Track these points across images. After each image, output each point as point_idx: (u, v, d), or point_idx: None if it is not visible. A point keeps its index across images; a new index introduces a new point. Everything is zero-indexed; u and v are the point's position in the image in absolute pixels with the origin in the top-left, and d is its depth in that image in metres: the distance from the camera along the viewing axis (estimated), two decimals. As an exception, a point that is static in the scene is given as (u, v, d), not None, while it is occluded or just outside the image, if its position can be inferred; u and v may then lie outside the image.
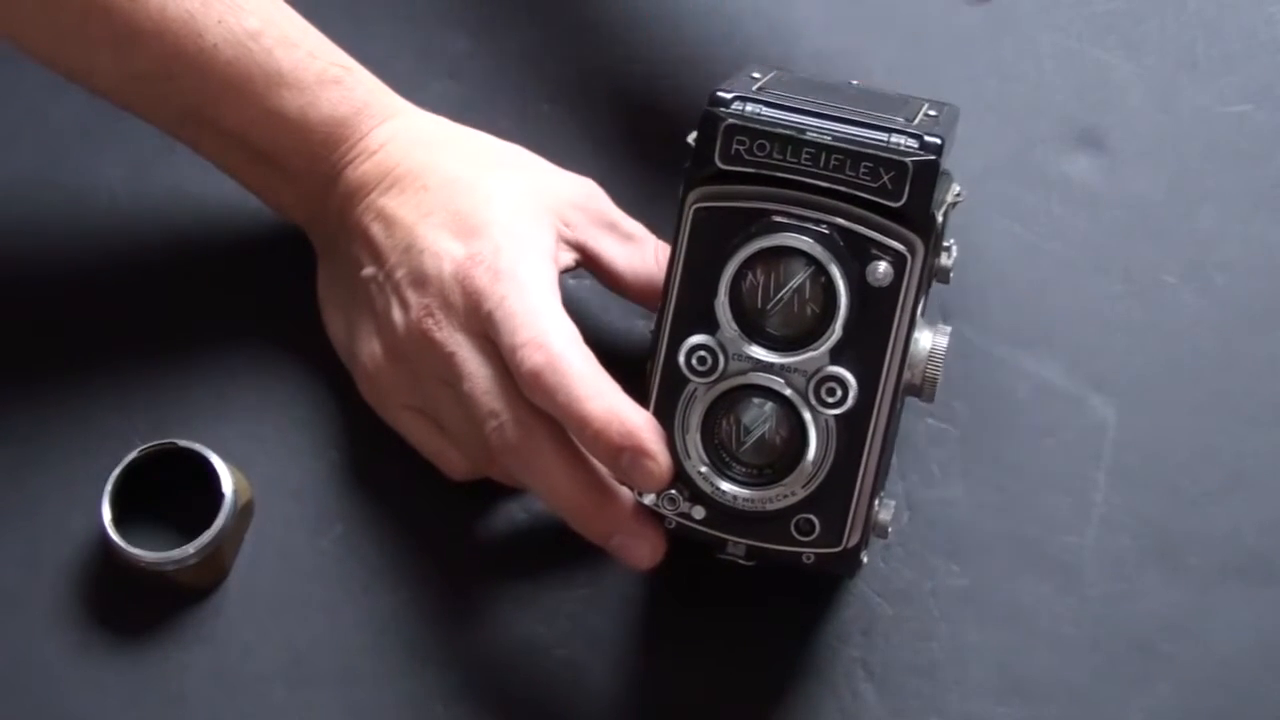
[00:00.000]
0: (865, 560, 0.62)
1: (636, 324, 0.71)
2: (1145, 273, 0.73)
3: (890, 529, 0.62)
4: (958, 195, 0.61)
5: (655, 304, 0.62)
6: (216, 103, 0.67)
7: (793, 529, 0.60)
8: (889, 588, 0.67)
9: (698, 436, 0.60)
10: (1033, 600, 0.67)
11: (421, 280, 0.65)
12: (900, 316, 0.58)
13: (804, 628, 0.66)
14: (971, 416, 0.70)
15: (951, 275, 0.62)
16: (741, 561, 0.62)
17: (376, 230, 0.67)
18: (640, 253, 0.69)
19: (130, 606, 0.67)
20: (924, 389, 0.60)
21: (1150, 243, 0.74)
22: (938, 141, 0.57)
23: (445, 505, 0.68)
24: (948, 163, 0.59)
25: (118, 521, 0.65)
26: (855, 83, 0.65)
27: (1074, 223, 0.75)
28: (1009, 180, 0.76)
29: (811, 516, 0.60)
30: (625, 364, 0.63)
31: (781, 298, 0.58)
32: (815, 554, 0.61)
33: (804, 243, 0.57)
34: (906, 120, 0.58)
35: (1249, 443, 0.70)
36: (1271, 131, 0.77)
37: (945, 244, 0.61)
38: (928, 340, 0.60)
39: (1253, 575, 0.67)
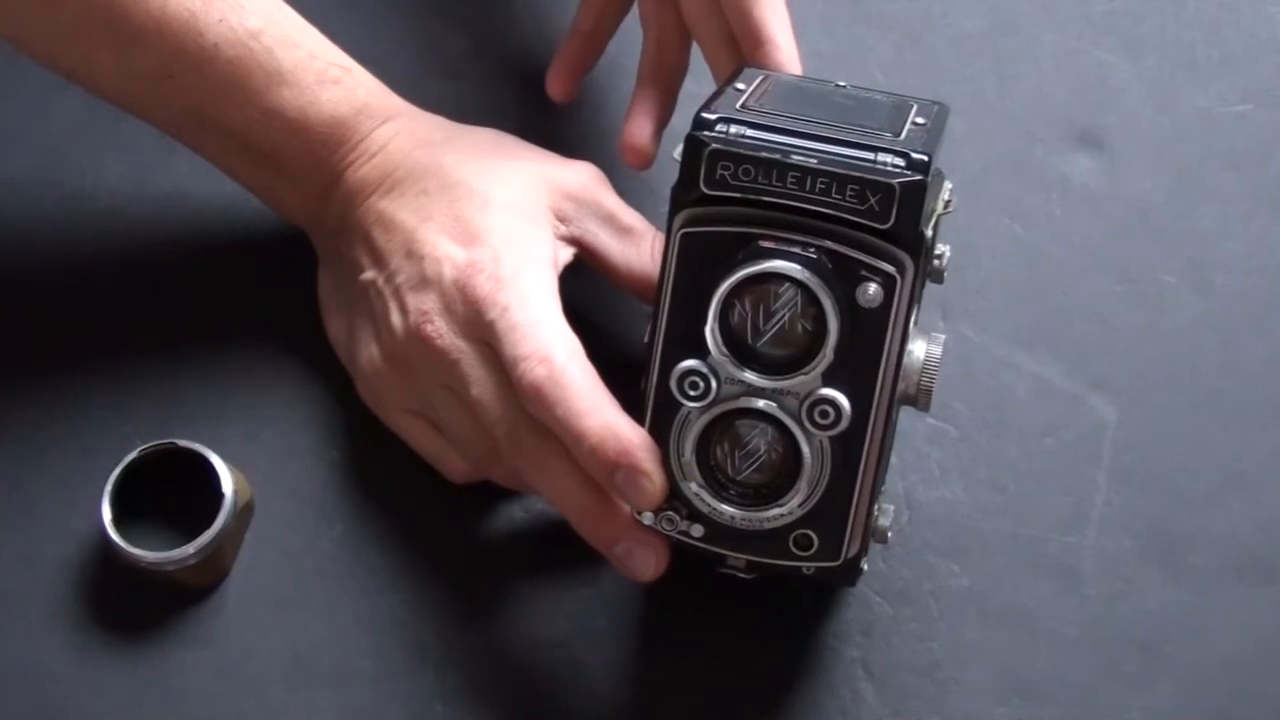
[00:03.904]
0: (865, 568, 0.62)
1: (637, 325, 0.70)
2: (1145, 273, 0.74)
3: (890, 532, 0.62)
4: (948, 204, 0.60)
5: (651, 298, 0.62)
6: (217, 102, 0.67)
7: (791, 544, 0.60)
8: (889, 588, 0.67)
9: (693, 459, 0.60)
10: (1033, 600, 0.67)
11: (421, 285, 0.65)
12: (891, 335, 0.58)
13: (804, 627, 0.66)
14: (971, 416, 0.70)
15: (945, 275, 0.61)
16: (741, 575, 0.62)
17: (377, 233, 0.67)
18: (636, 247, 0.69)
19: (130, 606, 0.67)
20: (919, 399, 0.60)
21: (1150, 243, 0.74)
22: (924, 159, 0.56)
23: (445, 505, 0.68)
24: (939, 162, 0.59)
25: (118, 521, 0.65)
26: (843, 85, 0.64)
27: (1074, 223, 0.75)
28: (1009, 180, 0.76)
29: (809, 532, 0.60)
30: (625, 367, 0.63)
31: (771, 323, 0.57)
32: (815, 566, 0.61)
33: (792, 269, 0.56)
34: (893, 135, 0.58)
35: (1249, 443, 0.70)
36: (1271, 131, 0.77)
37: (937, 253, 0.61)
38: (921, 350, 0.60)
39: (1253, 575, 0.67)
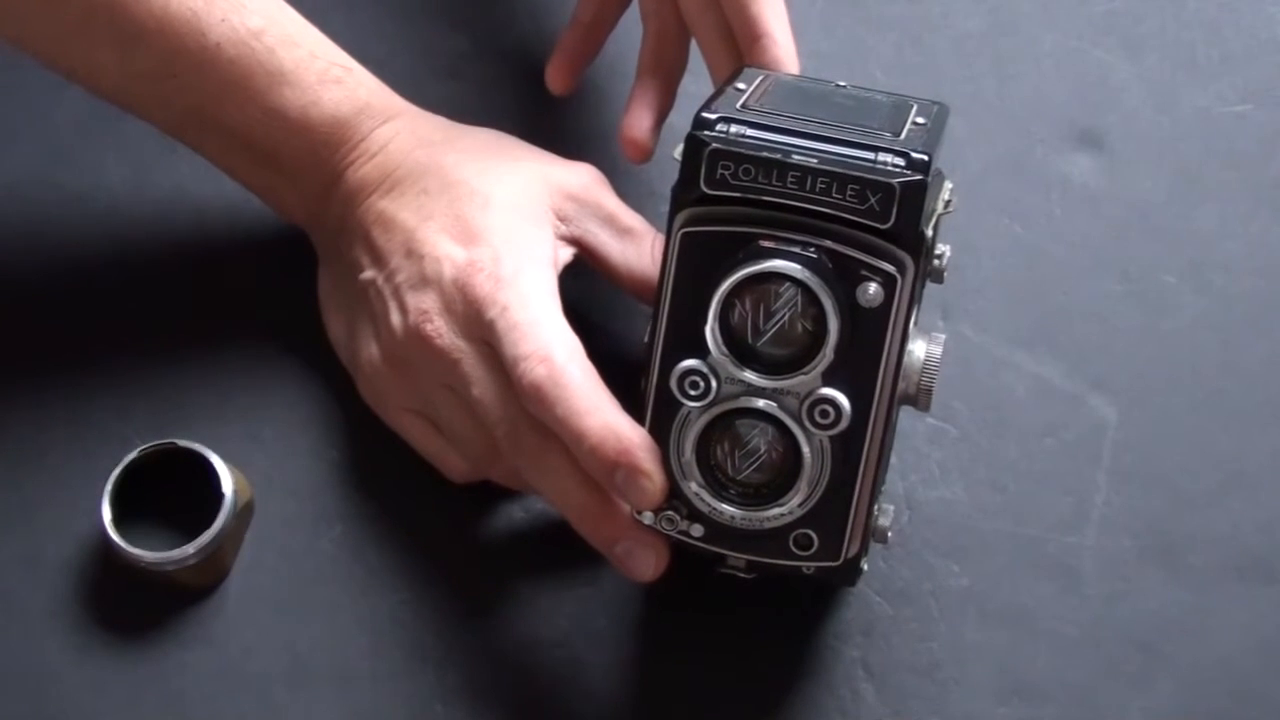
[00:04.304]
0: (865, 568, 0.62)
1: (637, 325, 0.71)
2: (1145, 273, 0.74)
3: (890, 532, 0.62)
4: (948, 203, 0.60)
5: (651, 299, 0.62)
6: (218, 101, 0.67)
7: (791, 544, 0.60)
8: (889, 588, 0.67)
9: (693, 459, 0.60)
10: (1033, 600, 0.67)
11: (421, 284, 0.65)
12: (891, 335, 0.58)
13: (804, 627, 0.66)
14: (971, 416, 0.70)
15: (945, 275, 0.61)
16: (741, 575, 0.63)
17: (377, 233, 0.67)
18: (636, 248, 0.69)
19: (130, 606, 0.67)
20: (919, 399, 0.60)
21: (1150, 243, 0.74)
22: (924, 159, 0.56)
23: (445, 505, 0.68)
24: (940, 162, 0.59)
25: (118, 521, 0.65)
26: (843, 84, 0.64)
27: (1074, 223, 0.75)
28: (1009, 180, 0.76)
29: (810, 532, 0.60)
30: (625, 367, 0.63)
31: (771, 322, 0.57)
32: (815, 566, 0.61)
33: (792, 268, 0.56)
34: (894, 134, 0.58)
35: (1249, 443, 0.70)
36: (1271, 131, 0.77)
37: (937, 253, 0.61)
38: (921, 350, 0.60)
39: (1253, 575, 0.67)
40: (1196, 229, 0.75)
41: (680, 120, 0.61)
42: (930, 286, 0.62)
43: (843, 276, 0.57)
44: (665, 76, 0.72)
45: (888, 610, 0.67)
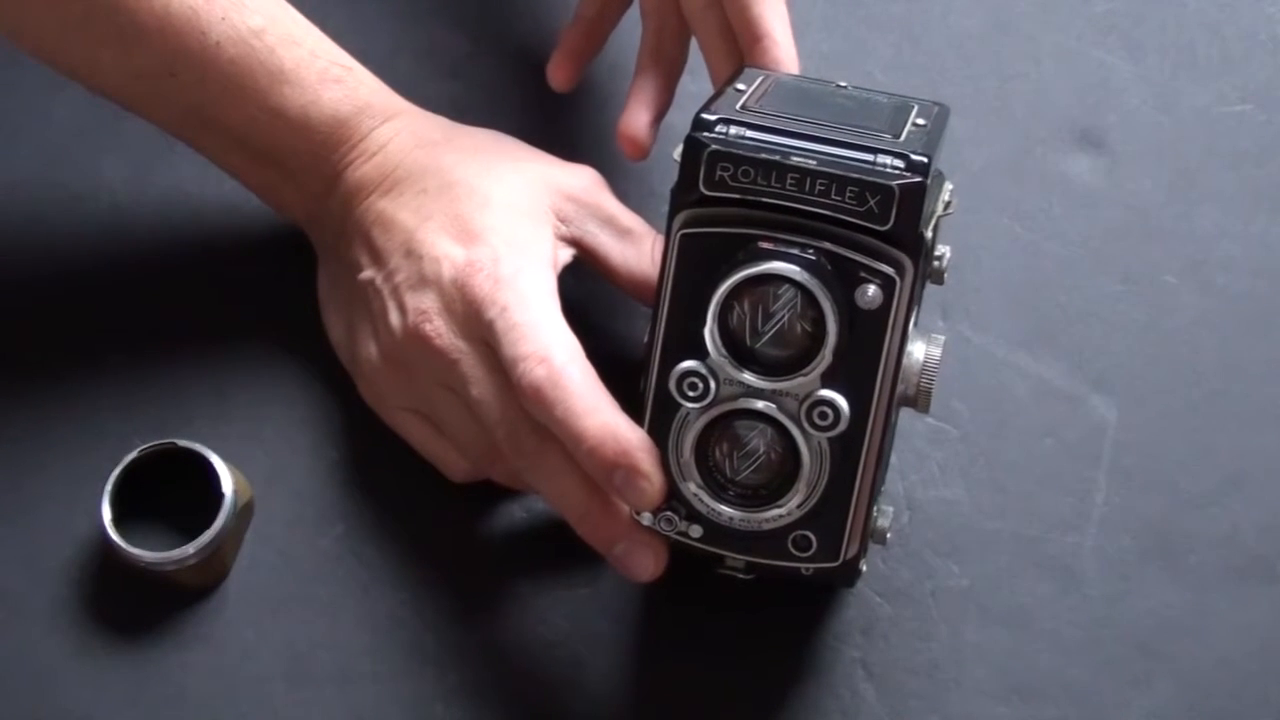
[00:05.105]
0: (864, 569, 0.62)
1: (637, 325, 0.71)
2: (1145, 273, 0.74)
3: (889, 534, 0.62)
4: (948, 205, 0.60)
5: (650, 300, 0.61)
6: (218, 101, 0.67)
7: (790, 545, 0.60)
8: (889, 588, 0.67)
9: (692, 460, 0.60)
10: (1033, 600, 0.67)
11: (420, 284, 0.65)
12: (890, 337, 0.58)
13: (804, 627, 0.66)
14: (971, 416, 0.70)
15: (946, 276, 0.61)
16: (740, 575, 0.63)
17: (376, 233, 0.67)
18: (636, 249, 0.69)
19: (130, 606, 0.67)
20: (918, 400, 0.60)
21: (1150, 243, 0.74)
22: (924, 160, 0.56)
23: (445, 505, 0.68)
24: (940, 163, 0.58)
25: (118, 521, 0.65)
26: (843, 85, 0.64)
27: (1074, 223, 0.75)
28: (1009, 180, 0.76)
29: (808, 533, 0.60)
30: (625, 367, 0.63)
31: (770, 324, 0.57)
32: (814, 568, 0.61)
33: (791, 270, 0.56)
34: (893, 136, 0.58)
35: (1249, 443, 0.70)
36: (1271, 131, 0.77)
37: (937, 254, 0.61)
38: (920, 352, 0.60)
39: (1253, 575, 0.67)
40: (1196, 229, 0.75)
41: (680, 119, 0.60)
42: (930, 287, 0.62)
43: (842, 278, 0.57)
44: (664, 74, 0.72)
45: (888, 610, 0.67)
